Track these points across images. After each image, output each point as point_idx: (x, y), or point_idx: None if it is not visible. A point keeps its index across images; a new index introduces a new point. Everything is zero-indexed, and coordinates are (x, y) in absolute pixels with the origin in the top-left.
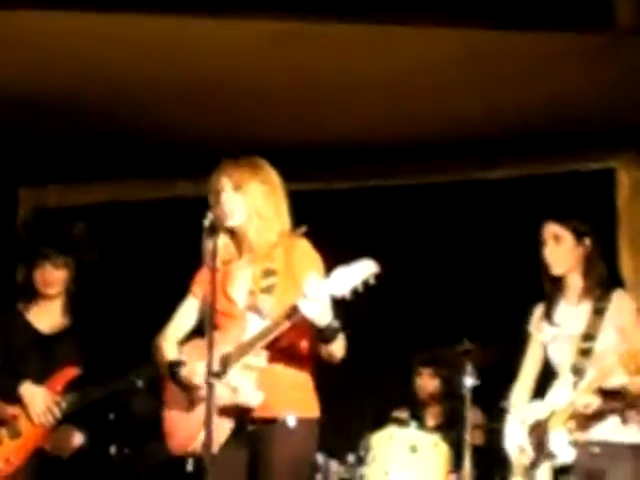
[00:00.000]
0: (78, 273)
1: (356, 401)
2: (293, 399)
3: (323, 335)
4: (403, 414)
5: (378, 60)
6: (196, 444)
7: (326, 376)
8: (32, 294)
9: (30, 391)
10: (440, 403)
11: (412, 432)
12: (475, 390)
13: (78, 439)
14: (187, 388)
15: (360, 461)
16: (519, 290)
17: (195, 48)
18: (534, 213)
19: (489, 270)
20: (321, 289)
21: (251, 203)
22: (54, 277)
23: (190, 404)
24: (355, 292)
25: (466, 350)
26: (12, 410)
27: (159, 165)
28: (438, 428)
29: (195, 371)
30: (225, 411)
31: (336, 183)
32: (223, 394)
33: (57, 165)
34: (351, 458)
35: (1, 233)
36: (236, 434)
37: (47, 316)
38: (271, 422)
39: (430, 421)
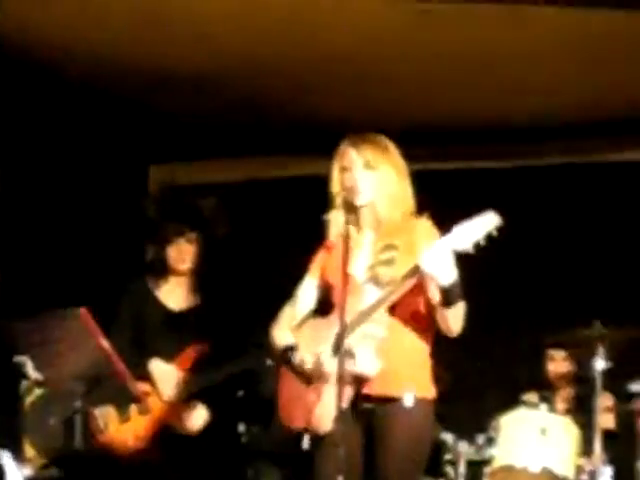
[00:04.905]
0: (207, 250)
1: (485, 382)
2: (411, 377)
3: (445, 296)
4: (533, 397)
5: (512, 41)
6: (312, 419)
7: (457, 357)
8: (162, 271)
9: (160, 368)
10: (570, 386)
11: (543, 414)
12: (605, 373)
13: (206, 417)
14: (300, 373)
15: (490, 442)
16: None
17: (324, 24)
18: None
19: (622, 250)
20: (443, 244)
21: (382, 182)
22: (188, 252)
23: (306, 380)
24: (478, 246)
25: (599, 333)
26: (142, 387)
27: (288, 143)
28: (568, 411)
29: (305, 359)
30: (342, 382)
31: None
32: (340, 364)
33: (186, 143)
34: (480, 439)
35: (132, 211)
36: (351, 408)
37: (176, 293)
38: (388, 401)
39: (560, 404)
